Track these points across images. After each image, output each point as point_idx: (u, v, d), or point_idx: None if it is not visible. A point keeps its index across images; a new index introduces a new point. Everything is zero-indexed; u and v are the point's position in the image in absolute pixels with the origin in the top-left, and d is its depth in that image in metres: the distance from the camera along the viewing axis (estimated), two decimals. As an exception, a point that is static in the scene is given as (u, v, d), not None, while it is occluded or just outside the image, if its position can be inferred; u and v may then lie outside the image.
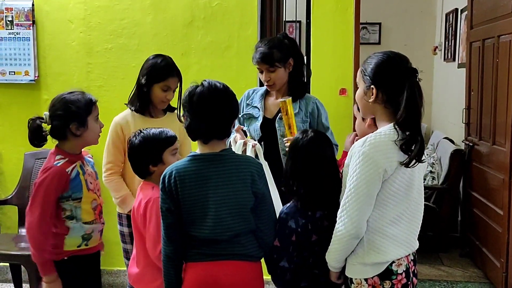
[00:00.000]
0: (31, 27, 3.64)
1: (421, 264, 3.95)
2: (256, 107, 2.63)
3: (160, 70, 2.55)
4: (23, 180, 3.61)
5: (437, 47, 6.03)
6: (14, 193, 3.59)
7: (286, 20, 4.12)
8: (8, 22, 3.65)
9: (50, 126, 2.20)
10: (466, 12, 4.83)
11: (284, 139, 2.45)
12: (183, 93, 2.01)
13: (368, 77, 1.82)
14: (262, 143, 2.54)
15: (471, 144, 4.13)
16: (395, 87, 1.76)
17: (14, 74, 3.71)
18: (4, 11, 3.65)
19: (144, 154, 2.13)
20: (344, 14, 3.43)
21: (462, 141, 4.38)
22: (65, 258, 2.21)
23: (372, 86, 1.80)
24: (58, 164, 2.17)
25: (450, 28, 5.47)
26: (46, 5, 3.67)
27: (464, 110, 4.27)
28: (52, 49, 3.70)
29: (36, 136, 2.23)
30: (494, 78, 3.68)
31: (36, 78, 3.70)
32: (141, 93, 2.61)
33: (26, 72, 3.68)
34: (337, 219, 1.79)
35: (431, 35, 6.28)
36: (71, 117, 2.20)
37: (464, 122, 4.29)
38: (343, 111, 3.45)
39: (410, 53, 6.27)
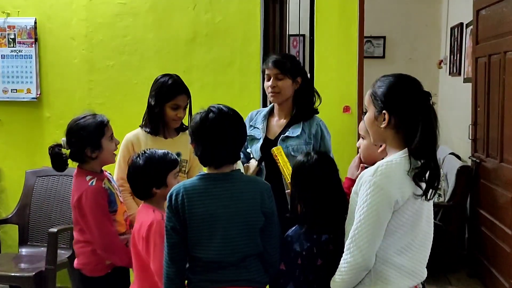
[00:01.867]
0: (33, 45, 3.64)
1: (429, 284, 3.86)
2: (257, 128, 2.59)
3: (168, 89, 2.54)
4: (24, 198, 3.57)
5: (442, 61, 5.98)
6: (15, 211, 3.55)
7: (290, 34, 4.08)
8: (11, 40, 3.65)
9: (69, 150, 2.29)
10: (471, 27, 4.80)
11: (286, 191, 2.37)
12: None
13: (379, 102, 1.74)
14: (263, 163, 2.50)
15: (478, 160, 4.06)
16: (409, 112, 1.69)
17: (16, 91, 3.70)
18: (7, 29, 3.64)
19: (149, 176, 2.10)
20: (348, 28, 3.40)
21: (469, 157, 4.31)
22: (109, 271, 2.27)
23: (384, 111, 1.72)
24: (93, 184, 2.22)
25: (455, 42, 5.42)
26: (48, 22, 3.66)
27: (471, 126, 4.21)
28: (54, 66, 3.69)
29: (58, 163, 2.31)
30: (501, 94, 3.62)
31: (38, 95, 3.69)
32: (153, 115, 2.59)
33: (28, 90, 3.67)
34: (345, 249, 1.73)
35: (436, 48, 6.22)
36: (85, 142, 2.24)
37: (470, 138, 4.22)
38: (346, 128, 3.41)
39: (415, 66, 6.26)
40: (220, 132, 1.86)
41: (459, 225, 4.28)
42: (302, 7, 3.71)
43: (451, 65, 5.61)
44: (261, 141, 2.53)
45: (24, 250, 3.47)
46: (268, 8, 3.56)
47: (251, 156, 2.54)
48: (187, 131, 2.63)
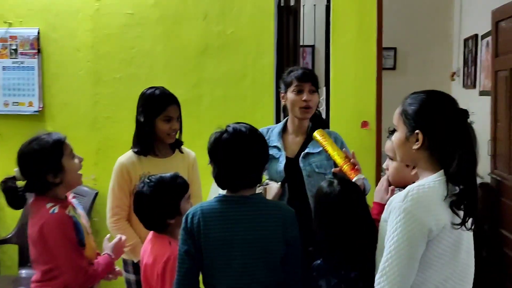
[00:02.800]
0: (36, 56, 3.49)
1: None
2: (275, 146, 2.42)
3: (157, 101, 2.35)
4: (24, 216, 3.39)
5: (455, 73, 5.83)
6: (14, 231, 3.39)
7: (301, 45, 3.95)
8: (12, 51, 3.50)
9: (25, 182, 1.96)
10: (487, 38, 4.66)
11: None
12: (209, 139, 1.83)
13: (411, 121, 1.58)
14: (286, 185, 2.33)
15: (499, 178, 3.90)
16: (445, 132, 1.54)
17: (18, 104, 3.55)
18: (8, 39, 3.50)
19: (161, 207, 1.91)
20: (366, 40, 3.26)
21: (488, 174, 4.14)
22: None
23: (417, 131, 1.56)
24: (55, 211, 1.91)
25: (470, 54, 5.29)
26: (53, 32, 3.52)
27: (490, 141, 4.05)
28: (58, 78, 3.54)
29: (13, 199, 1.95)
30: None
31: (40, 109, 3.53)
32: (144, 133, 2.39)
33: (30, 103, 3.52)
34: (375, 284, 1.56)
35: (448, 60, 6.08)
36: (44, 167, 1.94)
37: (490, 154, 4.06)
38: (365, 145, 3.25)
39: (426, 78, 6.09)
40: (235, 154, 1.73)
41: (478, 245, 4.10)
42: (315, 18, 3.57)
43: (465, 77, 5.47)
44: (284, 160, 2.36)
45: (24, 272, 3.28)
46: (282, 19, 3.42)
47: (264, 175, 2.38)
48: (182, 148, 2.50)
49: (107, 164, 3.57)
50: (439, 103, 1.58)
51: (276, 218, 1.75)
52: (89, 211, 3.39)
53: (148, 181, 1.93)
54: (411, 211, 1.49)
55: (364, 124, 3.28)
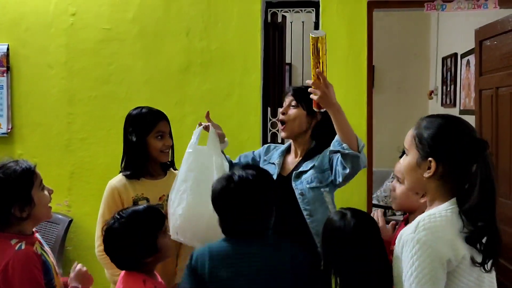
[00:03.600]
0: (5, 74, 3.27)
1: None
2: (273, 163, 2.28)
3: (147, 118, 2.25)
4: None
5: (433, 91, 5.85)
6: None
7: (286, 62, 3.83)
8: (-21, 68, 3.25)
9: None
10: (468, 57, 4.67)
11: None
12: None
13: (425, 147, 1.45)
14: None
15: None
16: (462, 162, 1.42)
17: (-16, 125, 3.29)
18: (-25, 56, 3.25)
19: (135, 245, 1.70)
20: (356, 59, 3.17)
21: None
22: None
23: (430, 158, 1.44)
24: (22, 248, 1.69)
25: (449, 73, 5.30)
26: (23, 48, 3.30)
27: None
28: (28, 97, 3.32)
29: None
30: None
31: (9, 130, 3.30)
32: (136, 153, 2.23)
33: (-2, 124, 3.27)
34: None
35: (425, 79, 6.11)
36: (11, 199, 1.72)
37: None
38: (356, 166, 3.12)
39: (404, 96, 6.07)
40: (239, 204, 1.67)
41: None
42: (298, 36, 3.45)
43: (444, 96, 5.47)
44: (275, 177, 2.20)
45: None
46: (268, 36, 3.29)
47: None
48: (172, 170, 2.37)
49: (81, 189, 3.36)
50: (458, 131, 1.46)
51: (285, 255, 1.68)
52: (63, 240, 3.15)
53: (118, 216, 1.73)
54: (426, 242, 1.37)
55: (355, 145, 3.16)
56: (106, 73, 3.27)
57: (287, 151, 2.34)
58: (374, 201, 5.22)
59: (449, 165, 1.43)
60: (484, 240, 1.41)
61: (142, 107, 2.30)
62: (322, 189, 2.14)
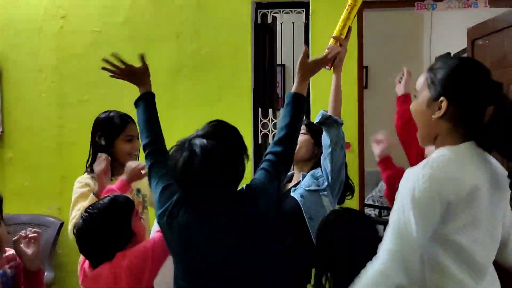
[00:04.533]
0: (-6, 78, 3.24)
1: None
2: None
3: (116, 121, 2.28)
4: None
5: (426, 91, 5.85)
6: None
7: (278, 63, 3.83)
8: (-32, 72, 3.24)
9: None
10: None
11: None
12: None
13: (437, 86, 1.39)
14: None
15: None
16: (477, 102, 1.36)
17: (-26, 130, 3.28)
18: (-37, 60, 3.24)
19: (112, 236, 1.68)
20: (346, 60, 3.13)
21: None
22: None
23: (442, 97, 1.38)
24: None
25: (442, 73, 5.30)
26: (12, 52, 3.29)
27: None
28: (19, 101, 3.31)
29: None
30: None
31: (-1, 134, 3.28)
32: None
33: (-12, 128, 3.26)
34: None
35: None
36: None
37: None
38: (348, 167, 3.10)
39: (398, 97, 5.99)
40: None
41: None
42: (289, 36, 3.44)
43: (438, 96, 5.48)
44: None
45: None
46: (259, 38, 3.28)
47: None
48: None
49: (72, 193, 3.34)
50: (472, 71, 1.39)
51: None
52: (54, 243, 3.14)
53: (87, 214, 1.70)
54: (431, 177, 1.32)
55: (347, 145, 3.14)
56: (97, 77, 3.23)
57: (289, 180, 2.34)
58: (370, 201, 5.21)
59: (462, 105, 1.37)
60: None
61: (110, 111, 2.33)
62: (320, 193, 2.14)
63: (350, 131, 3.16)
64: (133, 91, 3.20)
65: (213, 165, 1.50)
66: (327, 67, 2.17)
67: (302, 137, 2.26)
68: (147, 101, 1.89)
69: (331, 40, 2.17)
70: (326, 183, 2.15)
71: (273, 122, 3.26)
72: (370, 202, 5.23)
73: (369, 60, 6.14)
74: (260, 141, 3.29)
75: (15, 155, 3.32)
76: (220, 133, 1.59)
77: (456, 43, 4.69)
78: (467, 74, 1.38)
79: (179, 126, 3.19)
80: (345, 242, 1.57)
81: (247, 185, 1.64)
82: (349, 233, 1.58)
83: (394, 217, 1.35)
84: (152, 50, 3.22)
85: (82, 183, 2.23)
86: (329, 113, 2.15)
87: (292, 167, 2.38)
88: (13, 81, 3.30)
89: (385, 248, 1.33)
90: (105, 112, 2.34)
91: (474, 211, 1.35)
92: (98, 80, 3.25)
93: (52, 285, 3.09)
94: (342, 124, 2.15)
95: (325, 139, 2.13)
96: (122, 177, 2.05)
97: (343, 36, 2.18)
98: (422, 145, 1.51)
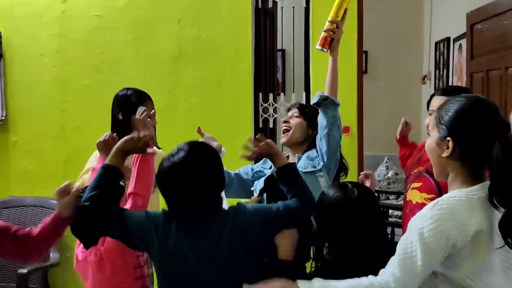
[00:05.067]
0: (-3, 62, 3.28)
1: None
2: (269, 168, 2.33)
3: (133, 98, 2.37)
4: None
5: (426, 76, 5.86)
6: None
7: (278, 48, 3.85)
8: (-28, 57, 3.28)
9: None
10: (460, 41, 4.68)
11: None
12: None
13: (444, 127, 1.47)
14: (265, 195, 2.23)
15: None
16: (479, 144, 1.44)
17: (-22, 114, 3.33)
18: (-33, 45, 3.27)
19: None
20: (346, 44, 3.14)
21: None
22: None
23: (448, 138, 1.46)
24: None
25: (441, 57, 5.32)
26: (15, 37, 3.32)
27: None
28: (21, 85, 3.35)
29: None
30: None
31: (3, 118, 3.35)
32: (123, 131, 2.25)
33: (-8, 112, 3.31)
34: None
35: (419, 64, 6.12)
36: None
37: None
38: (346, 150, 3.12)
39: (397, 82, 6.08)
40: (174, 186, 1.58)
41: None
42: (289, 21, 3.46)
43: (437, 80, 5.49)
44: (268, 173, 2.25)
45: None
46: (259, 22, 3.31)
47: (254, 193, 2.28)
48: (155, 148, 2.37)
49: (76, 176, 3.37)
50: (477, 112, 1.46)
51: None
52: (58, 226, 3.20)
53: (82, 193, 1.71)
54: (439, 219, 1.39)
55: (346, 129, 3.20)
56: (98, 61, 3.29)
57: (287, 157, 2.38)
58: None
59: (466, 147, 1.44)
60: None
61: (129, 88, 2.42)
62: (316, 174, 2.19)
63: (349, 116, 3.19)
64: (133, 76, 3.26)
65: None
66: (324, 49, 2.21)
67: (295, 120, 2.30)
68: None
69: (327, 23, 2.20)
70: (321, 164, 2.20)
71: (274, 106, 3.29)
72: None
73: (368, 45, 6.19)
74: (260, 126, 3.33)
75: (19, 139, 3.37)
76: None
77: (457, 27, 4.69)
78: (471, 116, 1.45)
79: (180, 112, 3.26)
80: (354, 221, 1.56)
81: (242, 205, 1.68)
82: (359, 212, 1.57)
83: (402, 245, 1.42)
84: (153, 34, 3.25)
85: (93, 157, 2.33)
86: (326, 94, 2.19)
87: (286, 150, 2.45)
88: (16, 65, 3.34)
89: (389, 270, 1.42)
90: (124, 89, 2.43)
91: (482, 255, 1.40)
92: (100, 65, 3.29)
93: (57, 265, 3.17)
94: (339, 105, 2.20)
95: (322, 120, 2.17)
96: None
97: (339, 18, 2.20)
98: (438, 180, 1.61)
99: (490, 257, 1.42)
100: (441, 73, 5.35)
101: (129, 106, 2.31)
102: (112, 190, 1.69)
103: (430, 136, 1.55)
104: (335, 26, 2.19)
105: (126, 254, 1.85)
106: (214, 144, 2.26)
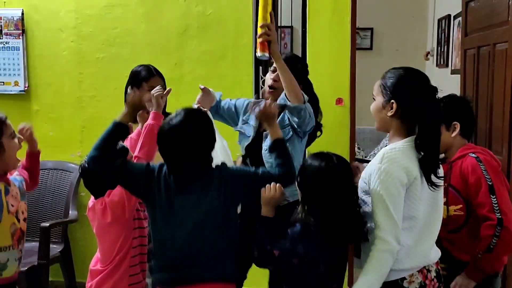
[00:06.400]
0: (20, 36, 3.57)
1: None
2: (250, 124, 2.56)
3: (141, 73, 2.59)
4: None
5: (429, 52, 6.01)
6: None
7: (280, 25, 4.06)
8: (-3, 32, 3.57)
9: None
10: (459, 19, 4.83)
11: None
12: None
13: (388, 92, 1.85)
14: (248, 161, 2.49)
15: (466, 151, 4.10)
16: (415, 105, 1.81)
17: (4, 84, 3.63)
18: (-7, 20, 3.56)
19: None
20: (340, 20, 3.37)
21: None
22: None
23: (392, 100, 1.83)
24: None
25: (443, 34, 5.46)
26: (36, 14, 3.59)
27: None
28: (42, 58, 3.63)
29: None
30: (490, 85, 3.65)
31: (26, 88, 3.62)
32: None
33: (16, 83, 3.60)
34: (373, 238, 1.79)
35: (423, 40, 6.26)
36: None
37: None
38: (340, 121, 3.40)
39: (402, 58, 6.25)
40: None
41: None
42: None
43: (439, 57, 5.64)
44: (250, 140, 2.50)
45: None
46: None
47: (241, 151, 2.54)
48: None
49: (92, 142, 3.59)
50: (413, 79, 1.85)
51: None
52: (76, 186, 3.52)
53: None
54: (389, 170, 1.76)
55: (339, 101, 3.44)
56: (112, 36, 3.56)
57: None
58: (371, 158, 5.48)
59: (406, 106, 1.82)
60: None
61: (142, 65, 2.64)
62: (290, 140, 2.38)
63: (342, 89, 3.42)
64: (143, 50, 3.52)
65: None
66: (265, 54, 2.26)
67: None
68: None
69: (259, 29, 2.28)
70: (290, 134, 2.39)
71: (273, 79, 3.53)
72: (371, 159, 5.51)
73: (374, 22, 6.36)
74: (260, 97, 3.58)
75: (40, 108, 3.67)
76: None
77: (457, 4, 4.79)
78: (409, 82, 1.84)
79: (186, 82, 3.53)
80: (334, 187, 1.82)
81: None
82: (339, 180, 1.83)
83: (376, 208, 1.78)
84: (161, 11, 3.50)
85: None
86: (287, 97, 2.26)
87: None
88: (37, 40, 3.62)
89: (378, 234, 1.76)
90: (138, 66, 2.65)
91: (416, 189, 1.81)
92: (113, 39, 3.55)
93: (76, 221, 3.50)
94: (304, 103, 2.27)
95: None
96: (151, 111, 2.26)
97: (268, 21, 2.27)
98: (377, 130, 1.95)
99: (419, 192, 1.81)
100: (442, 49, 5.50)
101: (137, 80, 2.57)
102: (115, 150, 2.04)
103: (375, 100, 1.90)
104: (267, 29, 2.24)
105: (125, 206, 2.12)
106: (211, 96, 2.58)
